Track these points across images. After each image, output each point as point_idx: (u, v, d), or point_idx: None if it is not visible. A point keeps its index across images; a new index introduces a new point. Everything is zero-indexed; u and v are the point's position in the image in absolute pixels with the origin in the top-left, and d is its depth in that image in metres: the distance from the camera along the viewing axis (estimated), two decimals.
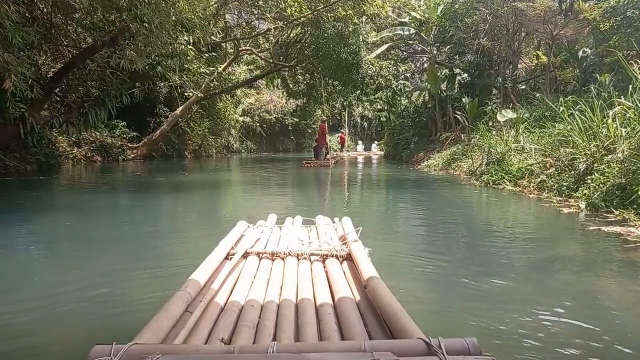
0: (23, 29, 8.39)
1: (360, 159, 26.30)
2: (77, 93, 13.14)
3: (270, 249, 2.53)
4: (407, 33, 18.34)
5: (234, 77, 22.15)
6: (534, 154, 8.46)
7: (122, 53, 10.13)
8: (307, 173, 13.91)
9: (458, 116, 15.29)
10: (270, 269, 2.30)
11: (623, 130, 6.23)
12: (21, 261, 3.51)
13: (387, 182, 11.33)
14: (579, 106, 7.52)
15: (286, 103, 33.00)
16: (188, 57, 13.25)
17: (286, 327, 1.61)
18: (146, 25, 9.33)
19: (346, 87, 19.33)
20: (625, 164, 5.63)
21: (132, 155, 18.16)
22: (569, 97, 8.65)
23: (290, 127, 37.79)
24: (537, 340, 2.07)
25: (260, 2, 16.48)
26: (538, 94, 11.65)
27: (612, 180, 5.61)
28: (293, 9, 15.18)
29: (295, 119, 36.67)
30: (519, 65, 17.26)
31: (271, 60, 20.24)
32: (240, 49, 19.52)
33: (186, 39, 12.36)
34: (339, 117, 38.56)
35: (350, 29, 15.82)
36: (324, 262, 2.35)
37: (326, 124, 20.20)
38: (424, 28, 17.36)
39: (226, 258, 2.35)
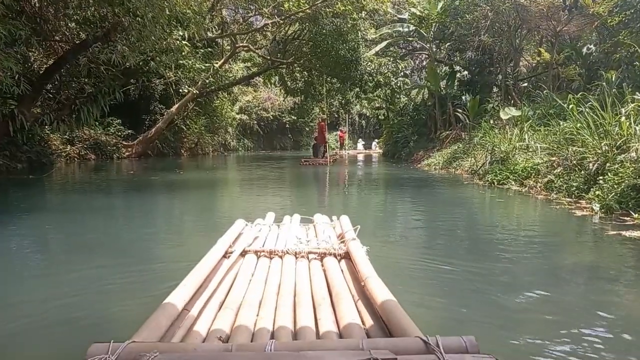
0: (10, 22, 8.06)
1: (360, 157, 26.07)
2: (70, 90, 12.78)
3: (268, 248, 2.53)
4: (406, 30, 18.09)
5: (230, 74, 21.80)
6: (539, 152, 8.20)
7: (114, 48, 9.81)
8: (305, 171, 13.68)
9: (459, 114, 15.04)
10: (268, 267, 2.30)
11: (637, 128, 5.97)
12: None
13: (387, 181, 11.08)
14: (589, 103, 7.24)
15: (284, 101, 32.63)
16: (183, 53, 12.90)
17: (284, 325, 1.60)
18: (139, 19, 9.03)
19: (345, 84, 19.03)
20: None
21: (127, 154, 17.83)
22: (579, 94, 8.36)
23: (287, 125, 37.45)
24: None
25: None
26: (545, 91, 11.37)
27: (626, 181, 5.34)
28: (291, 3, 14.86)
29: (293, 117, 36.33)
30: (520, 63, 17.02)
31: (268, 57, 19.88)
32: (237, 45, 19.16)
33: (181, 34, 12.02)
34: (336, 115, 38.21)
35: (349, 25, 15.52)
36: (322, 261, 2.34)
37: (325, 123, 19.95)
38: (423, 24, 17.12)
39: (224, 256, 2.33)
